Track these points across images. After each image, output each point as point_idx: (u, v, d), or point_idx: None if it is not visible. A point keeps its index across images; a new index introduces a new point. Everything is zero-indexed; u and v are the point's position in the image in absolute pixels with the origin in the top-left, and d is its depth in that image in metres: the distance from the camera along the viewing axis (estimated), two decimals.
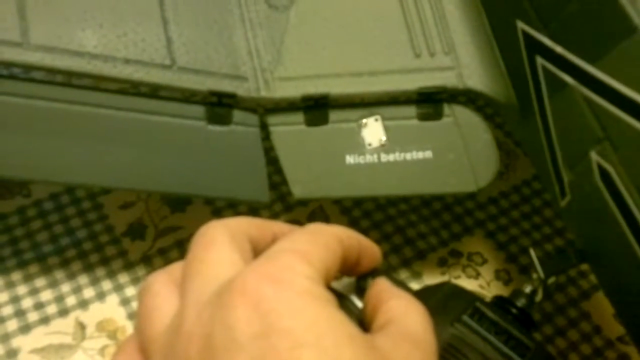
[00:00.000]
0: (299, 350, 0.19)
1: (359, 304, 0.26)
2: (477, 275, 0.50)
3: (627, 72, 0.29)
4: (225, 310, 0.20)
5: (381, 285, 0.25)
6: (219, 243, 0.23)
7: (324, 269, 0.22)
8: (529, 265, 0.37)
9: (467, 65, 0.41)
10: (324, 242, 0.23)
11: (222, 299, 0.21)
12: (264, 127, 0.41)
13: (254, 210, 0.52)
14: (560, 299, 0.49)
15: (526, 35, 0.36)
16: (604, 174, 0.31)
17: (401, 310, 0.24)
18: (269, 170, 0.41)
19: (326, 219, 0.52)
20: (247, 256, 0.23)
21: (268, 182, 0.41)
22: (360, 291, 0.27)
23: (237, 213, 0.52)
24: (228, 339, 0.20)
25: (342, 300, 0.26)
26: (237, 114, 0.40)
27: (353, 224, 0.52)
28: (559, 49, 0.33)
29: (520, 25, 0.36)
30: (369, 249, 0.26)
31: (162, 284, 0.23)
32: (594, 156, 0.32)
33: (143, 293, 0.24)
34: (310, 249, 0.22)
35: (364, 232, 0.52)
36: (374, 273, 0.27)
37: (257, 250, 0.24)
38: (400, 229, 0.52)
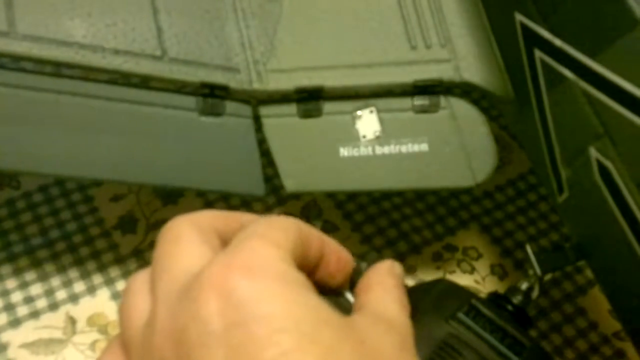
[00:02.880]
0: (278, 336, 0.19)
1: (352, 299, 0.26)
2: (472, 270, 0.50)
3: (628, 67, 0.29)
4: (196, 305, 0.20)
5: (369, 275, 0.26)
6: (186, 237, 0.22)
7: (291, 249, 0.22)
8: (525, 260, 0.37)
9: (464, 57, 0.40)
10: (283, 225, 0.23)
11: (192, 293, 0.20)
12: (257, 119, 0.40)
13: (246, 203, 0.51)
14: (555, 294, 0.49)
15: (524, 28, 0.35)
16: (604, 171, 0.31)
17: (378, 294, 0.25)
18: (262, 162, 0.41)
19: (320, 213, 0.52)
20: (216, 249, 0.23)
21: (263, 174, 0.40)
22: (353, 286, 0.26)
23: (230, 205, 0.51)
24: (202, 333, 0.20)
25: (336, 297, 0.26)
26: (230, 105, 0.40)
27: (347, 217, 0.52)
28: (558, 42, 0.33)
29: (519, 17, 0.35)
30: (333, 246, 0.25)
31: (141, 282, 0.23)
32: (593, 152, 0.31)
33: (124, 292, 0.24)
34: (273, 233, 0.22)
35: (358, 226, 0.52)
36: (365, 268, 0.27)
37: (225, 243, 0.23)
38: (395, 223, 0.52)
